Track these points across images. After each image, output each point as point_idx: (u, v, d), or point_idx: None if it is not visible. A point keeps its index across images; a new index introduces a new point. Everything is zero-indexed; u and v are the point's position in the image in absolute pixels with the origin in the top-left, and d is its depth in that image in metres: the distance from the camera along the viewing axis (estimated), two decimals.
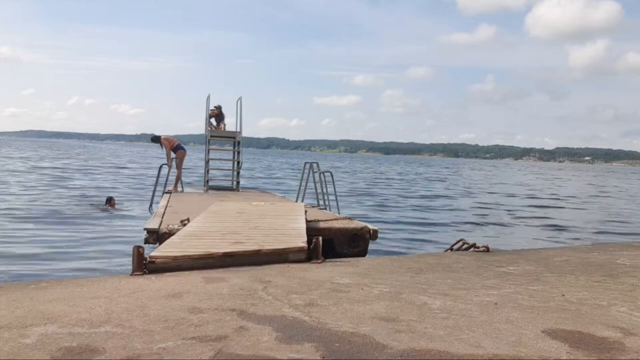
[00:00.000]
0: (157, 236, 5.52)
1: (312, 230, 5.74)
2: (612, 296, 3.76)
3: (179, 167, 11.82)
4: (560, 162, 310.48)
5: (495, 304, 3.38)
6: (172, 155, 11.84)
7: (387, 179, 34.36)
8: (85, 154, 51.80)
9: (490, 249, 5.95)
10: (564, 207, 18.30)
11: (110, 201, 11.81)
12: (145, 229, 5.76)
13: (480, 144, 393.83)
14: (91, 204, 11.65)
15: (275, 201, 9.08)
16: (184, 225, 5.80)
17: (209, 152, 12.20)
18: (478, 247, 5.98)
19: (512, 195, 23.30)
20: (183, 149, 12.07)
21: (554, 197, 23.56)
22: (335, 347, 2.47)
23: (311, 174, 10.40)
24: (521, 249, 7.96)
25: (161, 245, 4.80)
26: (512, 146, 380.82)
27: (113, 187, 16.47)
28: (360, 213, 12.55)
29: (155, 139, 11.84)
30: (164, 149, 11.76)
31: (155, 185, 11.71)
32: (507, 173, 59.63)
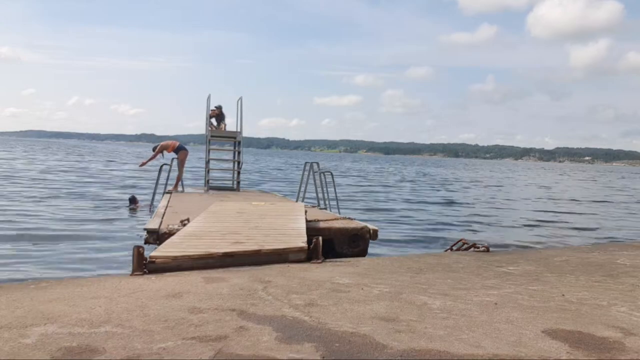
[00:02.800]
0: (157, 236, 5.52)
1: (312, 230, 5.74)
2: (612, 296, 3.76)
3: (180, 167, 11.89)
4: (560, 162, 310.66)
5: (495, 304, 3.38)
6: (174, 155, 11.97)
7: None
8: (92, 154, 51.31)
9: (490, 249, 5.95)
10: None
11: (134, 201, 11.82)
12: (145, 229, 5.76)
13: (480, 144, 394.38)
14: (115, 207, 11.60)
15: (275, 201, 9.08)
16: (184, 225, 5.80)
17: (209, 152, 12.24)
18: (478, 247, 5.98)
19: None
20: (185, 149, 12.17)
21: None
22: (335, 347, 2.47)
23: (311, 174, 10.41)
24: (521, 249, 7.97)
25: (161, 245, 4.80)
26: (512, 146, 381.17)
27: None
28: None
29: (154, 148, 12.06)
30: (165, 154, 11.96)
31: (156, 185, 11.76)
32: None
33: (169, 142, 12.29)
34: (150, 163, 12.17)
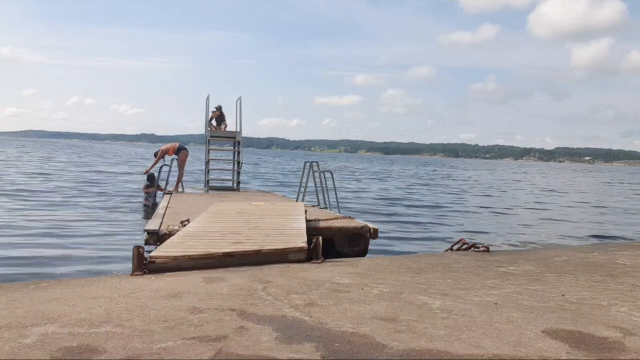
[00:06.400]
0: (157, 237, 5.52)
1: (312, 230, 5.75)
2: (612, 296, 3.76)
3: (180, 168, 11.92)
4: (560, 162, 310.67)
5: (495, 304, 3.38)
6: (175, 157, 12.02)
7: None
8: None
9: (490, 249, 5.95)
10: None
11: (153, 179, 11.83)
12: (145, 230, 5.76)
13: (480, 144, 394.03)
14: (115, 207, 11.61)
15: (275, 201, 9.08)
16: (184, 226, 5.80)
17: (209, 152, 12.26)
18: (478, 247, 5.98)
19: None
20: (185, 149, 12.20)
21: None
22: (335, 347, 2.47)
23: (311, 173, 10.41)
24: (521, 249, 7.97)
25: (161, 245, 4.80)
26: (512, 146, 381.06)
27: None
28: None
29: (155, 154, 12.14)
30: (166, 157, 12.04)
31: (156, 186, 11.79)
32: None
33: (169, 145, 12.34)
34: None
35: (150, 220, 6.58)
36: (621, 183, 41.69)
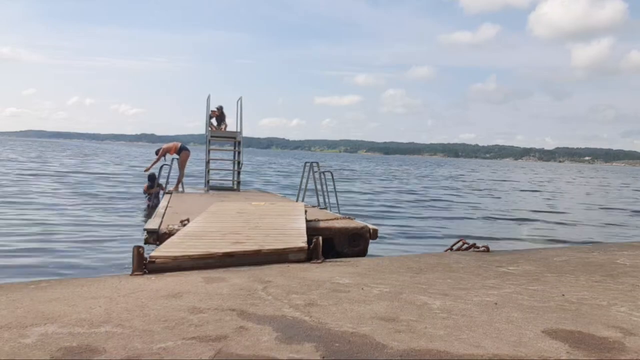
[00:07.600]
0: (157, 236, 5.53)
1: (312, 230, 5.75)
2: (612, 296, 3.76)
3: (181, 168, 11.92)
4: (560, 162, 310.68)
5: (495, 304, 3.38)
6: (176, 156, 12.03)
7: None
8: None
9: (490, 249, 5.95)
10: None
11: (153, 179, 11.78)
12: (145, 229, 5.76)
13: (481, 144, 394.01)
14: (115, 207, 11.59)
15: (275, 201, 9.09)
16: (184, 225, 5.80)
17: (209, 152, 12.26)
18: (478, 247, 5.98)
19: None
20: (187, 149, 12.21)
21: None
22: (335, 347, 2.47)
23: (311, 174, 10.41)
24: (521, 249, 7.96)
25: (161, 245, 4.81)
26: (512, 146, 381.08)
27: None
28: None
29: (157, 152, 12.14)
30: (167, 157, 12.03)
31: (158, 185, 11.80)
32: None
33: (171, 144, 12.34)
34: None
35: (150, 220, 6.58)
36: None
